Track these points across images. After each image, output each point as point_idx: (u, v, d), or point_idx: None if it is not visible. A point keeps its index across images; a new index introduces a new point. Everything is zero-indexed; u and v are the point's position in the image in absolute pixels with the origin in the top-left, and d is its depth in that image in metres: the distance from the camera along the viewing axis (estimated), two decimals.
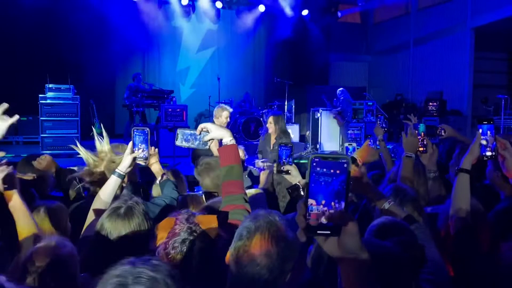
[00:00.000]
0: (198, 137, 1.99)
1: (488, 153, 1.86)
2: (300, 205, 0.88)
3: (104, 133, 2.40)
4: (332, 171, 0.86)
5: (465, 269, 1.68)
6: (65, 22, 10.34)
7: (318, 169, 0.86)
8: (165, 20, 12.29)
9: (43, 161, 2.91)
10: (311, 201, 0.86)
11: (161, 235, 1.52)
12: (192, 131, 1.99)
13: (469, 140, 2.94)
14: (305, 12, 12.88)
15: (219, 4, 12.30)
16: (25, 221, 1.80)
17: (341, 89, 9.47)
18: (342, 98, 9.37)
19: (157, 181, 2.59)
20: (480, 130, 1.88)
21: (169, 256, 1.47)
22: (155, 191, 2.73)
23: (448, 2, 11.02)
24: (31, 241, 1.75)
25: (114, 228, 1.69)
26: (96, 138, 2.37)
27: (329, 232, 0.87)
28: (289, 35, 12.58)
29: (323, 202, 0.86)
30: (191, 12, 12.36)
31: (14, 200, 1.79)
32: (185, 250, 1.47)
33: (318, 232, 0.87)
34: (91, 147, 2.43)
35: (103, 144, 2.35)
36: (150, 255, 1.66)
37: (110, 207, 1.78)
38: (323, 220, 0.86)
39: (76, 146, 2.38)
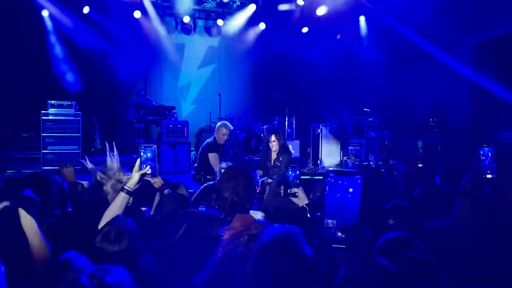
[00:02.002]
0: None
1: (489, 176, 1.88)
2: (317, 218, 0.91)
3: (115, 152, 2.41)
4: (346, 186, 0.89)
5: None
6: (67, 39, 10.49)
7: (333, 184, 0.89)
8: (167, 37, 12.44)
9: (67, 168, 3.00)
10: (327, 215, 0.89)
11: (236, 225, 1.57)
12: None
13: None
14: (305, 30, 13.04)
15: (220, 22, 12.46)
16: (38, 243, 1.82)
17: (342, 106, 9.57)
18: (344, 115, 9.48)
19: (158, 196, 2.61)
20: (481, 153, 1.89)
21: (234, 243, 1.53)
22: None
23: (448, 19, 11.13)
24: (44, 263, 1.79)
25: (107, 252, 1.76)
26: (108, 154, 2.39)
27: (344, 246, 0.89)
28: (290, 52, 12.70)
29: (334, 210, 0.89)
30: (192, 29, 12.52)
31: (28, 222, 1.82)
32: (249, 245, 1.52)
33: (334, 245, 0.89)
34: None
35: (113, 162, 2.36)
36: (143, 270, 1.71)
37: (101, 232, 1.82)
38: (339, 234, 0.88)
39: (86, 161, 2.40)
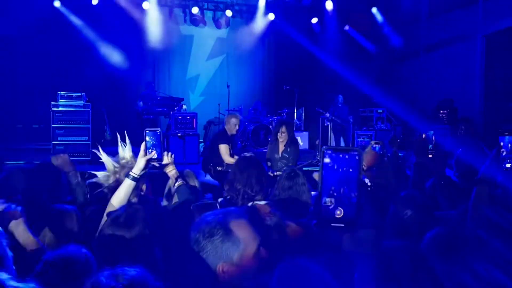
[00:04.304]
0: None
1: (508, 165, 1.83)
2: (315, 198, 0.89)
3: (127, 141, 2.39)
4: (344, 163, 0.87)
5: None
6: (77, 31, 10.51)
7: (330, 161, 0.87)
8: (175, 28, 12.41)
9: (60, 158, 2.97)
10: (324, 194, 0.87)
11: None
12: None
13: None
14: (314, 20, 12.93)
15: (229, 13, 12.40)
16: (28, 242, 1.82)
17: (338, 95, 9.76)
18: (340, 105, 9.67)
19: (173, 186, 2.60)
20: (502, 143, 1.85)
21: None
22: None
23: (459, 10, 10.96)
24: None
25: (115, 237, 1.71)
26: (119, 144, 2.38)
27: (342, 225, 0.87)
28: (299, 43, 12.61)
29: (333, 188, 0.87)
30: (201, 21, 12.47)
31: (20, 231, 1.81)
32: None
33: (332, 225, 0.88)
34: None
35: (125, 151, 2.35)
36: (153, 260, 1.69)
37: (110, 217, 1.79)
38: (337, 213, 0.86)
39: (99, 151, 2.39)
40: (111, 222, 1.75)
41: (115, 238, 1.72)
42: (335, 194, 0.88)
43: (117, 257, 1.65)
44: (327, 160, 0.88)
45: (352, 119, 10.19)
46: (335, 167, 0.88)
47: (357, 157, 0.87)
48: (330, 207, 0.88)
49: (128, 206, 1.83)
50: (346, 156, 0.87)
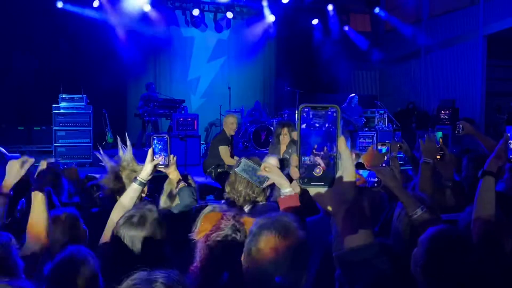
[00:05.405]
0: (257, 174, 2.07)
1: None
2: (293, 156, 0.88)
3: (128, 143, 2.41)
4: (322, 119, 0.86)
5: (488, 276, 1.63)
6: (78, 33, 10.52)
7: (308, 118, 0.86)
8: (176, 30, 12.43)
9: (67, 170, 3.00)
10: (303, 152, 0.87)
11: (205, 227, 1.55)
12: (254, 165, 2.09)
13: (488, 139, 2.90)
14: (315, 21, 12.94)
15: (230, 14, 12.41)
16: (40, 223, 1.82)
17: (353, 95, 9.64)
18: (353, 106, 9.55)
19: (176, 188, 2.59)
20: (509, 134, 1.83)
21: (210, 248, 1.49)
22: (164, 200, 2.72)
23: (460, 10, 10.96)
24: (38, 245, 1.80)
25: (128, 236, 1.71)
26: (119, 147, 2.39)
27: (322, 183, 0.87)
28: (300, 44, 12.62)
29: (315, 146, 0.86)
30: (202, 22, 12.48)
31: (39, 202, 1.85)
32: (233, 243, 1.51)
33: (312, 183, 0.87)
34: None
35: (126, 153, 2.36)
36: (165, 261, 1.69)
37: (124, 216, 1.79)
38: (317, 171, 0.86)
39: (100, 154, 2.40)
40: (125, 221, 1.75)
41: (129, 237, 1.72)
42: (314, 151, 0.86)
43: (131, 256, 1.66)
44: (304, 118, 0.86)
45: (363, 122, 9.84)
46: (313, 124, 0.86)
47: (334, 114, 0.86)
48: (310, 166, 0.86)
49: (142, 205, 1.84)
50: (324, 113, 0.86)
